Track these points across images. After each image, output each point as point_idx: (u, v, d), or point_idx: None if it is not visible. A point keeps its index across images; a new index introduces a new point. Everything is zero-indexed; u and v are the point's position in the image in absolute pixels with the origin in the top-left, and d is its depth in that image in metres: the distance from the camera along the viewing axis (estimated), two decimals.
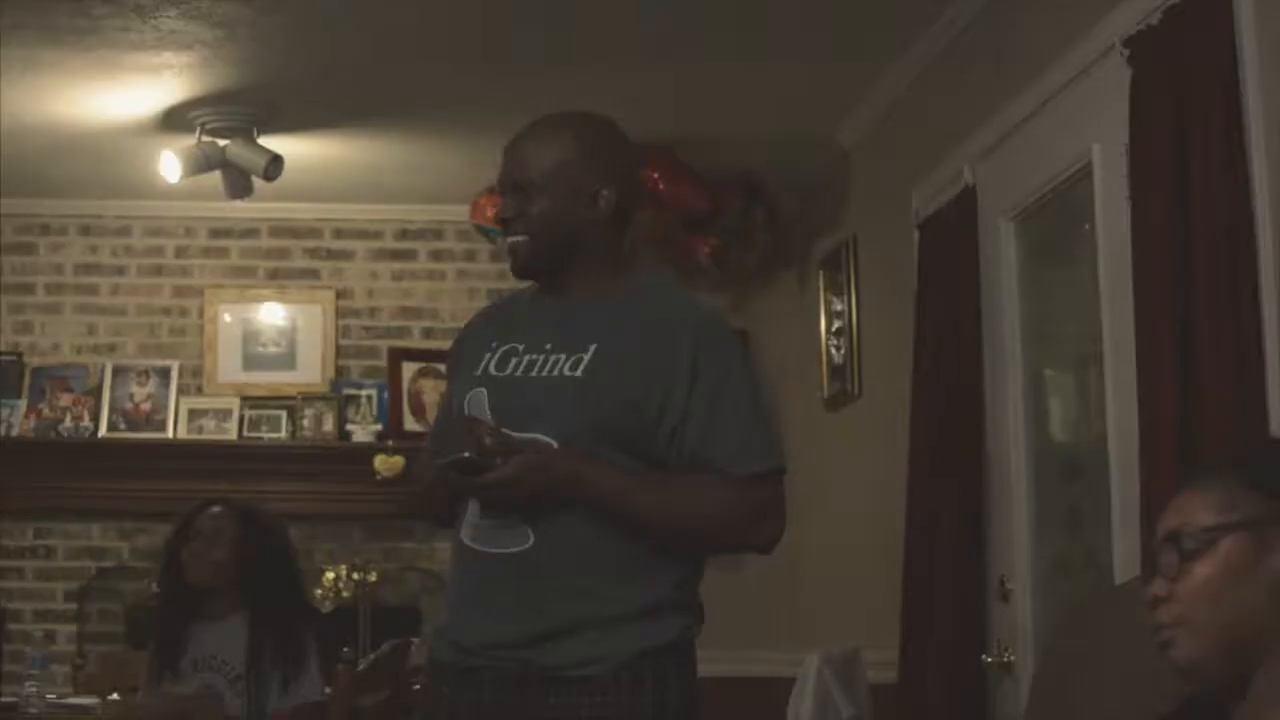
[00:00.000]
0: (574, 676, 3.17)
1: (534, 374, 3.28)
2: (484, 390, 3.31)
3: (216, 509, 5.05)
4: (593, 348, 3.25)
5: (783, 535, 3.34)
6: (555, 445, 3.20)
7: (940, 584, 5.46)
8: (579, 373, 3.24)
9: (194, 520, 5.04)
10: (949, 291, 5.55)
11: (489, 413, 3.26)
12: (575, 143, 3.37)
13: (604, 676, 3.17)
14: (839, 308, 7.34)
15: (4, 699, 6.60)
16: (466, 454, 3.15)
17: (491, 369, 3.33)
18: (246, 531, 5.00)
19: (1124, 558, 4.31)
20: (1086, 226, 4.74)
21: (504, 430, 3.20)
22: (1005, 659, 5.14)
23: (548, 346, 3.30)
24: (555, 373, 3.26)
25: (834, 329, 7.41)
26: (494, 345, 3.37)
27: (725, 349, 3.32)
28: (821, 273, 7.61)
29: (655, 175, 7.23)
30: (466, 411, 3.30)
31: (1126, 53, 4.19)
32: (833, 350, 7.41)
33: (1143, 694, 2.61)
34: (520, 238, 3.35)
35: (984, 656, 5.22)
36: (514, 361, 3.32)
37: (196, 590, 4.99)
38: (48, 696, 5.82)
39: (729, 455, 3.24)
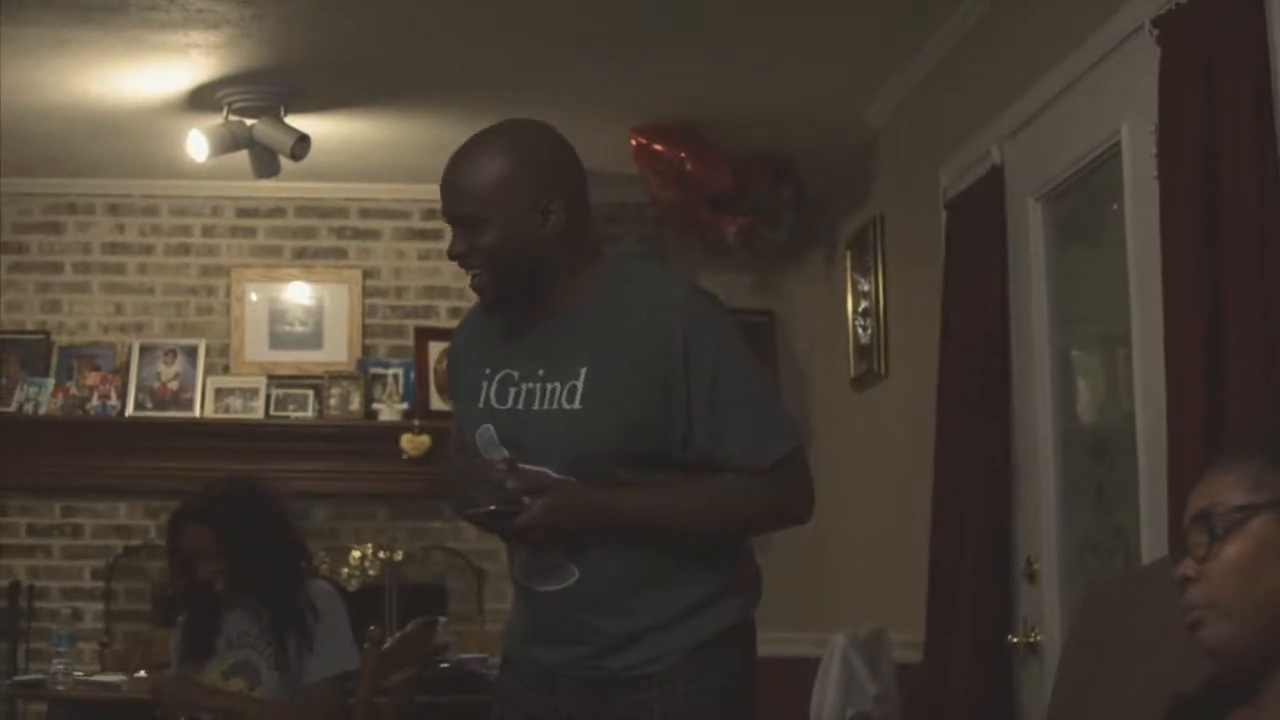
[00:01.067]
0: (642, 674, 3.22)
1: (535, 407, 3.22)
2: (491, 428, 3.27)
3: (189, 529, 4.99)
4: (583, 372, 3.18)
5: (814, 503, 3.34)
6: (573, 480, 3.17)
7: (967, 564, 5.46)
8: (576, 404, 3.17)
9: (176, 544, 5.01)
10: (976, 271, 5.54)
11: (500, 448, 3.25)
12: (510, 159, 3.18)
13: (672, 669, 3.22)
14: (866, 288, 7.33)
15: (32, 676, 6.65)
16: (492, 507, 3.17)
17: (493, 401, 3.28)
18: (223, 537, 4.96)
19: (1152, 538, 4.31)
20: (1115, 206, 4.73)
21: (522, 467, 3.17)
22: (1032, 639, 5.14)
23: (540, 374, 3.23)
24: (554, 405, 3.20)
25: (861, 309, 7.40)
26: (488, 373, 3.30)
27: (713, 334, 3.21)
28: (849, 252, 7.60)
29: (682, 155, 7.23)
30: (479, 447, 3.29)
31: (1156, 32, 4.18)
32: (859, 330, 7.41)
33: (1169, 674, 2.61)
34: (478, 272, 3.21)
35: (1010, 636, 5.22)
36: (512, 392, 3.26)
37: (224, 594, 4.99)
38: (75, 674, 5.86)
39: (746, 451, 3.21)
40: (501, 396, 3.27)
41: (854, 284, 7.51)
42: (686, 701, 3.21)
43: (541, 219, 3.16)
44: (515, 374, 3.26)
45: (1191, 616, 2.32)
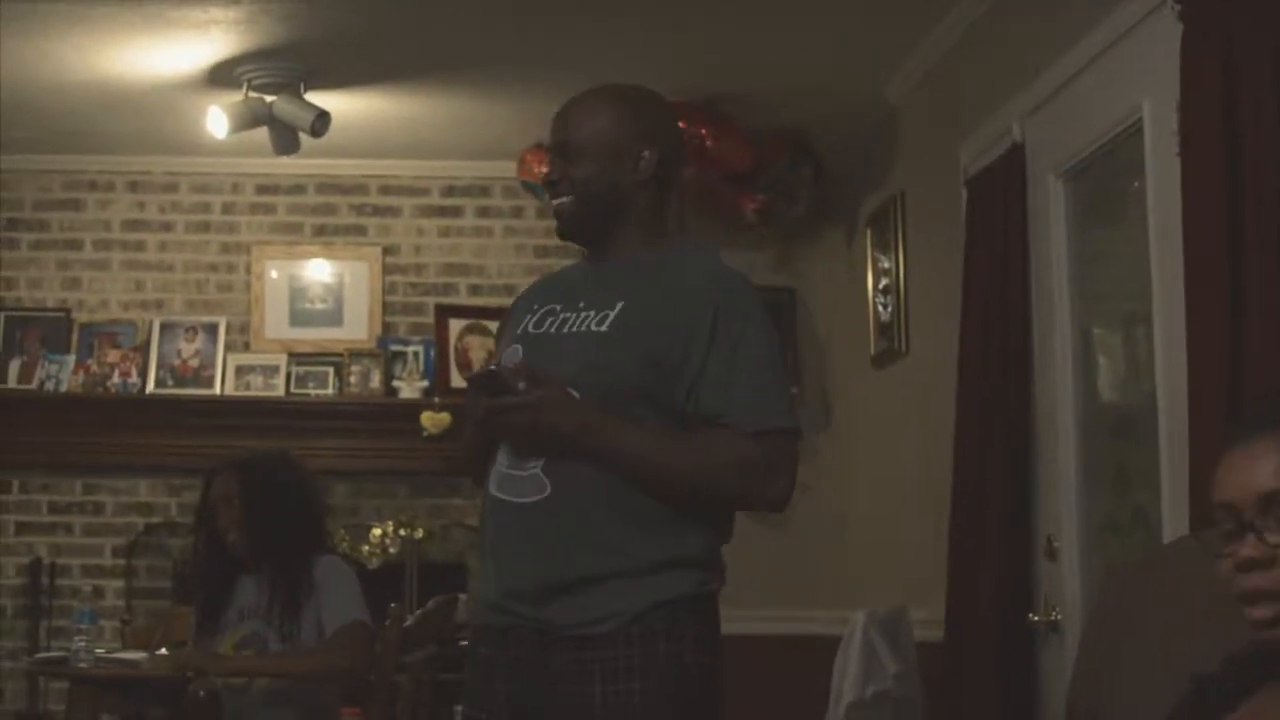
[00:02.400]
0: (588, 634, 3.23)
1: (565, 330, 3.38)
2: (519, 347, 3.41)
3: (222, 476, 5.14)
4: (620, 304, 3.35)
5: (792, 495, 3.36)
6: (576, 395, 3.27)
7: (987, 542, 5.45)
8: (604, 328, 3.33)
9: (210, 491, 5.14)
10: (997, 249, 5.53)
11: None
12: (617, 108, 3.48)
13: (616, 632, 3.22)
14: (886, 265, 7.31)
15: (54, 653, 6.66)
16: (493, 367, 3.30)
17: (530, 328, 3.43)
18: (247, 488, 5.07)
19: (1173, 517, 4.30)
20: (1136, 184, 4.72)
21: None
22: (1053, 618, 5.13)
23: (581, 304, 3.39)
24: (583, 328, 3.35)
25: (881, 286, 7.39)
26: (536, 307, 3.47)
27: (747, 312, 3.37)
28: (869, 230, 7.58)
29: (702, 131, 7.21)
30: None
31: (1178, 8, 4.16)
32: (880, 308, 7.39)
33: (1190, 654, 2.60)
34: (564, 199, 3.46)
35: (1031, 615, 5.21)
36: (550, 320, 3.42)
37: (233, 550, 5.08)
38: (96, 651, 5.87)
39: (740, 411, 3.30)
40: (539, 324, 3.44)
41: (874, 261, 7.49)
42: (628, 664, 3.21)
43: (633, 165, 3.44)
44: (558, 307, 3.44)
45: (1265, 612, 2.22)
